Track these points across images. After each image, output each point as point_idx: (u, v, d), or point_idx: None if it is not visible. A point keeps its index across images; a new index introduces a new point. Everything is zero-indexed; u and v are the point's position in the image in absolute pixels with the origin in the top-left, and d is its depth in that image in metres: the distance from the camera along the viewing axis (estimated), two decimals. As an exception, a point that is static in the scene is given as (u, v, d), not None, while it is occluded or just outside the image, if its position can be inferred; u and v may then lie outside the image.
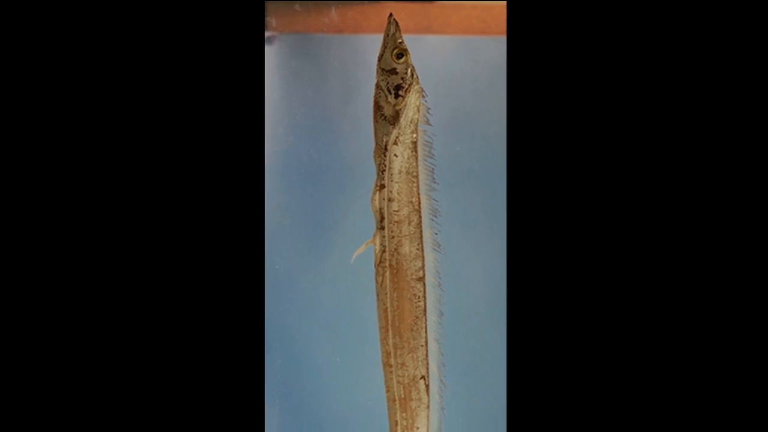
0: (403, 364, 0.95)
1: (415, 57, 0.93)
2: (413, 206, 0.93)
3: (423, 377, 0.95)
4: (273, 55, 1.15)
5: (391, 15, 0.94)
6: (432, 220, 0.94)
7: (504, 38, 0.94)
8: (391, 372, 0.95)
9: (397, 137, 0.92)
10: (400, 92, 0.92)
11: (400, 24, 0.93)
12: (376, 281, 0.95)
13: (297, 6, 1.13)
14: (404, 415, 0.96)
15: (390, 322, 0.95)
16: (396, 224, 0.93)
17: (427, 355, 0.95)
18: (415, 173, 0.93)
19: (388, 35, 0.93)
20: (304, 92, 1.16)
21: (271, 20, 1.13)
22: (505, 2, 0.96)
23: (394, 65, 0.92)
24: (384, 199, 0.93)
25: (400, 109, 0.92)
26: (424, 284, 0.95)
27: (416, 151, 0.93)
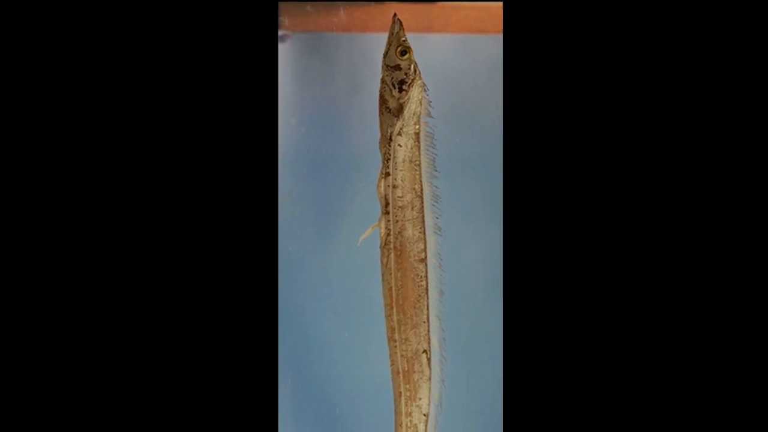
0: (406, 339, 0.95)
1: (417, 54, 0.94)
2: (416, 193, 0.94)
3: (425, 351, 0.96)
4: (285, 53, 1.11)
5: (395, 15, 0.94)
6: (433, 205, 0.95)
7: (500, 36, 0.93)
8: (396, 346, 0.96)
9: (401, 128, 0.93)
10: (404, 87, 0.93)
11: (403, 23, 0.94)
12: (382, 262, 0.95)
13: (308, 7, 1.10)
14: (407, 386, 0.96)
15: (394, 300, 0.95)
16: (400, 209, 0.94)
17: (428, 331, 0.96)
18: (417, 162, 0.94)
19: (392, 34, 0.93)
20: (314, 87, 1.12)
21: (283, 20, 1.10)
22: (501, 3, 0.96)
23: (398, 62, 0.93)
24: (389, 186, 0.93)
25: (404, 103, 0.93)
26: (426, 265, 0.95)
27: (419, 142, 0.94)
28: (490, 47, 1.10)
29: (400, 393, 0.96)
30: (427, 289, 0.95)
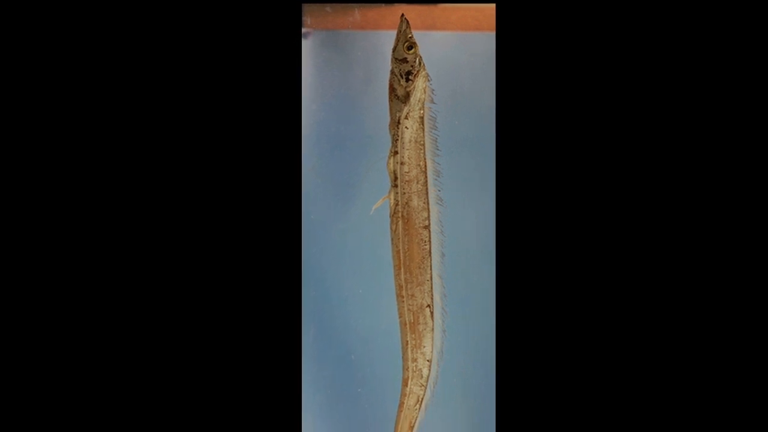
0: (412, 295, 0.99)
1: (422, 49, 0.97)
2: (420, 169, 0.97)
3: (428, 306, 0.99)
4: (308, 48, 1.16)
5: (403, 15, 0.97)
6: (435, 179, 0.98)
7: (493, 34, 1.03)
8: (403, 301, 0.99)
9: (407, 113, 0.96)
10: (410, 77, 0.96)
11: (410, 22, 0.97)
12: (391, 229, 0.99)
13: (328, 8, 1.14)
14: (413, 336, 1.00)
15: (402, 262, 0.99)
16: (407, 183, 0.97)
17: (431, 288, 0.99)
18: (422, 142, 0.97)
19: (400, 31, 0.97)
20: (333, 77, 1.16)
21: (306, 19, 1.14)
22: (494, 5, 1.02)
23: (406, 55, 0.96)
24: (397, 162, 0.97)
25: (410, 91, 0.96)
26: (430, 231, 0.98)
27: (423, 124, 0.97)
28: (485, 43, 1.14)
29: (407, 342, 1.00)
30: (430, 252, 0.98)
